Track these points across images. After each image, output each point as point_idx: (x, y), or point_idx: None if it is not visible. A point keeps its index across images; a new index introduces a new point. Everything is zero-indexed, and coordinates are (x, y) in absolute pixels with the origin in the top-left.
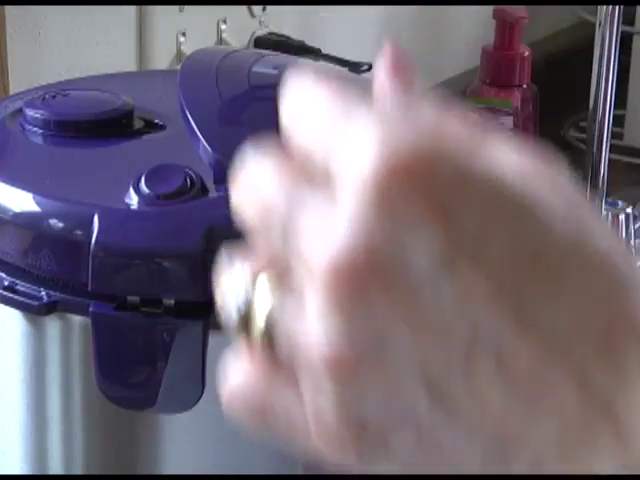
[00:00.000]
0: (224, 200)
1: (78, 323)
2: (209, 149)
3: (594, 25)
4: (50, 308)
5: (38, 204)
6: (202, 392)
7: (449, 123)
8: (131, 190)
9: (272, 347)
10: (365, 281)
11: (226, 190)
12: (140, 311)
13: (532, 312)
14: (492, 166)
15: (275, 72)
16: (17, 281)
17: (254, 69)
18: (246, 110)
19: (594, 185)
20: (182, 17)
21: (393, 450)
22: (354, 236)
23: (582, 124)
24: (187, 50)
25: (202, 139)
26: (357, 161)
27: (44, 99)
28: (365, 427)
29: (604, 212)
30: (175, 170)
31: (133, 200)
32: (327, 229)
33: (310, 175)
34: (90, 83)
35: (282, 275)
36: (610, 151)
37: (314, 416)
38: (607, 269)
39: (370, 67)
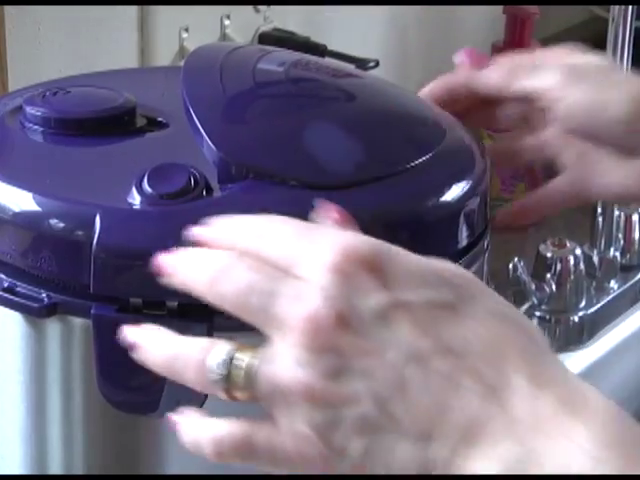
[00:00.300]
0: (228, 200)
1: (79, 325)
2: (213, 147)
3: (607, 21)
4: (51, 310)
5: (38, 204)
6: (206, 396)
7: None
8: (134, 190)
9: (251, 393)
10: (334, 328)
11: (230, 190)
12: (143, 313)
13: (445, 338)
14: (409, 254)
15: (281, 69)
16: (17, 282)
17: (259, 66)
18: (251, 108)
19: None
20: (185, 12)
21: (349, 456)
22: (324, 300)
23: None
24: (190, 46)
25: (206, 137)
26: (322, 255)
27: (44, 96)
28: (330, 439)
29: (617, 212)
30: (178, 169)
31: (136, 200)
32: (302, 299)
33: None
34: (91, 80)
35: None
36: None
37: (291, 438)
38: (500, 312)
39: (377, 64)
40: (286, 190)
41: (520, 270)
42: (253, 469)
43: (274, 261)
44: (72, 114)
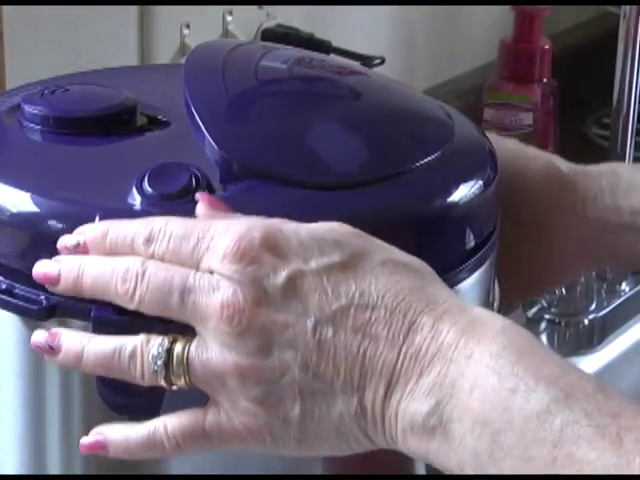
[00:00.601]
0: (230, 200)
1: (79, 328)
2: (215, 146)
3: (618, 16)
4: (50, 312)
5: (37, 204)
6: (207, 400)
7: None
8: (134, 190)
9: (190, 380)
10: (248, 310)
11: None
12: (142, 315)
13: (349, 295)
14: (297, 226)
15: (284, 67)
16: (15, 284)
17: (262, 64)
18: (254, 106)
19: None
20: (186, 8)
21: (292, 421)
22: (233, 287)
23: (605, 120)
24: (191, 43)
25: (208, 136)
26: (222, 246)
27: (43, 94)
28: (271, 408)
29: None
30: (179, 169)
31: (136, 200)
32: (214, 290)
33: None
34: (90, 78)
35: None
36: (635, 149)
37: (237, 415)
38: (392, 260)
39: (383, 61)
40: (289, 191)
41: None
42: (254, 469)
43: (180, 260)
44: (71, 113)
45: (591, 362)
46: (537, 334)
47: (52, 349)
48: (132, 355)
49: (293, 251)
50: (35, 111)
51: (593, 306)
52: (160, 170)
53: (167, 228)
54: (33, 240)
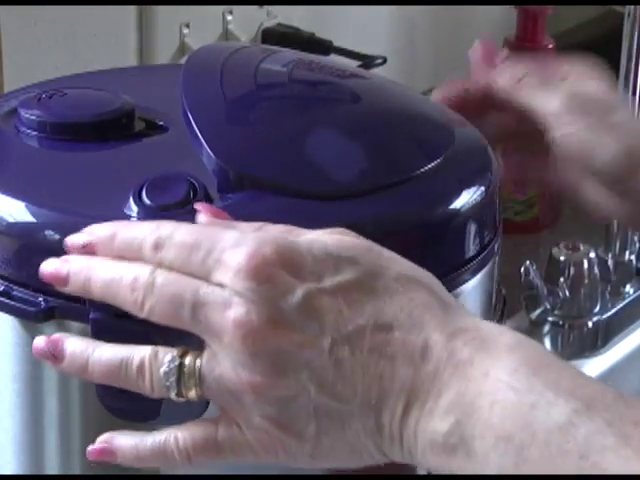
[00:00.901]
0: (228, 211)
1: (77, 330)
2: (212, 156)
3: (622, 15)
4: (48, 315)
5: (33, 214)
6: (207, 404)
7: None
8: (131, 200)
9: (203, 393)
10: (263, 330)
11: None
12: (141, 320)
13: (365, 315)
14: (310, 242)
15: (283, 72)
16: (13, 286)
17: (261, 69)
18: (252, 113)
19: None
20: (186, 8)
21: (307, 439)
22: (247, 306)
23: None
24: (191, 42)
25: (205, 145)
26: (235, 261)
27: (40, 99)
28: (286, 427)
29: None
30: (177, 179)
31: (133, 211)
32: (228, 307)
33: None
34: (88, 79)
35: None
36: None
37: (250, 431)
38: (404, 277)
39: (384, 60)
40: (289, 200)
41: (532, 274)
42: (255, 470)
43: (190, 270)
44: (68, 118)
45: (595, 365)
46: (540, 336)
47: (55, 357)
48: (140, 368)
49: (308, 269)
50: (32, 116)
51: (597, 308)
52: (158, 181)
53: (175, 235)
54: (30, 250)
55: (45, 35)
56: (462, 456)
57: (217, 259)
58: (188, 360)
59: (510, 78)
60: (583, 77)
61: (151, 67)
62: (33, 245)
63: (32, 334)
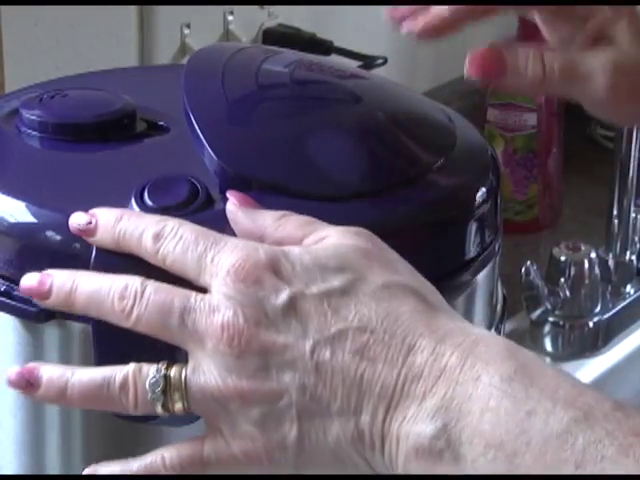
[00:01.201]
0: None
1: (78, 330)
2: (214, 157)
3: None
4: (49, 315)
5: (35, 215)
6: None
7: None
8: (133, 201)
9: (188, 405)
10: (249, 332)
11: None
12: None
13: (348, 319)
14: (302, 252)
15: (285, 73)
16: (14, 286)
17: (262, 70)
18: (254, 114)
19: (622, 185)
20: (186, 8)
21: (289, 444)
22: (234, 308)
23: None
24: (192, 43)
25: (207, 146)
26: (225, 265)
27: (41, 100)
28: (269, 431)
29: (633, 214)
30: (179, 181)
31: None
32: (216, 311)
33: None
34: (89, 79)
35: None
36: None
37: (235, 440)
38: (389, 283)
39: (385, 61)
40: (289, 201)
41: (533, 274)
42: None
43: (184, 264)
44: (70, 119)
45: (596, 365)
46: (541, 337)
47: (31, 384)
48: (123, 384)
49: (296, 275)
50: (33, 117)
51: (598, 308)
52: (160, 182)
53: (179, 230)
54: (31, 252)
55: (46, 35)
56: (449, 461)
57: (212, 258)
58: (174, 372)
59: None
60: None
61: (152, 67)
62: (34, 245)
63: (33, 334)
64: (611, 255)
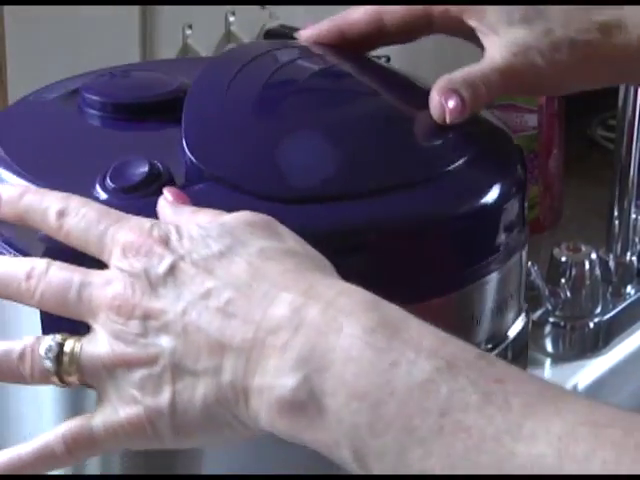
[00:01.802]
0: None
1: None
2: (186, 149)
3: None
4: None
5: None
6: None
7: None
8: (97, 184)
9: (80, 376)
10: (134, 299)
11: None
12: None
13: (216, 278)
14: (192, 227)
15: (297, 77)
16: None
17: (275, 75)
18: (242, 125)
19: (623, 186)
20: (188, 9)
21: (165, 406)
22: (123, 278)
23: (611, 122)
24: (194, 43)
25: (183, 137)
26: (118, 240)
27: (102, 80)
28: (148, 395)
29: (634, 215)
30: (140, 162)
31: (100, 194)
32: (108, 283)
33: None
34: (144, 67)
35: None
36: None
37: (120, 405)
38: (268, 248)
39: (388, 59)
40: (246, 199)
41: (534, 275)
42: (255, 470)
43: (86, 240)
44: (131, 98)
45: (596, 365)
46: (541, 337)
47: None
48: (22, 355)
49: (182, 245)
50: (94, 97)
51: (598, 309)
52: (123, 164)
53: (82, 208)
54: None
55: (49, 36)
56: (313, 414)
57: (112, 237)
58: (68, 342)
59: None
60: None
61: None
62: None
63: None
64: (612, 256)
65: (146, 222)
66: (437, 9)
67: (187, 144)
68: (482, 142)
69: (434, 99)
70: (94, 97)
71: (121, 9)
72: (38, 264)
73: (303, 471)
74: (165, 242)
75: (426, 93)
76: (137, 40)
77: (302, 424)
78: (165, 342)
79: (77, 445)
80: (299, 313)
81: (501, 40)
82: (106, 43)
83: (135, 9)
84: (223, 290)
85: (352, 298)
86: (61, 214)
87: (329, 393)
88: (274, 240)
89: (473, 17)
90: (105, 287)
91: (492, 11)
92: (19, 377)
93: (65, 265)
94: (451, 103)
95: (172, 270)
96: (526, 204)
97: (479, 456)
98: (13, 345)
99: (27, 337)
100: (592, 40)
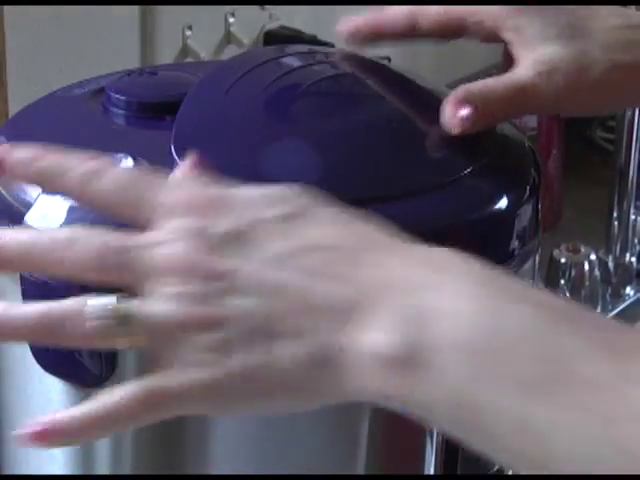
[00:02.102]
0: None
1: None
2: (174, 153)
3: None
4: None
5: None
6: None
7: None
8: None
9: (134, 338)
10: (196, 260)
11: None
12: None
13: (296, 239)
14: (244, 188)
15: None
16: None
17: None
18: (236, 133)
19: (622, 187)
20: (188, 10)
21: (235, 371)
22: (180, 238)
23: (610, 123)
24: (193, 44)
25: (172, 141)
26: (169, 199)
27: (127, 79)
28: (220, 357)
29: (633, 216)
30: (122, 159)
31: None
32: (161, 244)
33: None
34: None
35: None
36: None
37: (187, 368)
38: (341, 217)
39: (388, 61)
40: None
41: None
42: (255, 470)
43: (114, 211)
44: (157, 97)
45: None
46: None
47: None
48: (67, 314)
49: (242, 205)
50: (119, 95)
51: (598, 310)
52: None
53: (113, 169)
54: None
55: (48, 37)
56: (417, 371)
57: (155, 195)
58: (120, 303)
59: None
60: None
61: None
62: None
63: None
64: (611, 257)
65: (194, 182)
66: (472, 18)
67: (175, 148)
68: (496, 147)
69: (447, 108)
70: (119, 96)
71: (121, 9)
72: (61, 231)
73: (303, 471)
74: (221, 200)
75: (439, 99)
76: (137, 40)
77: (405, 382)
78: (239, 302)
79: (147, 407)
80: (393, 273)
81: (531, 56)
82: (106, 43)
83: (135, 10)
84: (305, 251)
85: (449, 256)
86: (87, 175)
87: (434, 348)
88: (334, 210)
89: (511, 31)
90: (157, 248)
91: (529, 25)
92: (64, 337)
93: (95, 230)
94: (463, 114)
95: (235, 228)
96: (540, 207)
97: (596, 404)
98: (57, 303)
99: (74, 298)
100: (631, 62)
